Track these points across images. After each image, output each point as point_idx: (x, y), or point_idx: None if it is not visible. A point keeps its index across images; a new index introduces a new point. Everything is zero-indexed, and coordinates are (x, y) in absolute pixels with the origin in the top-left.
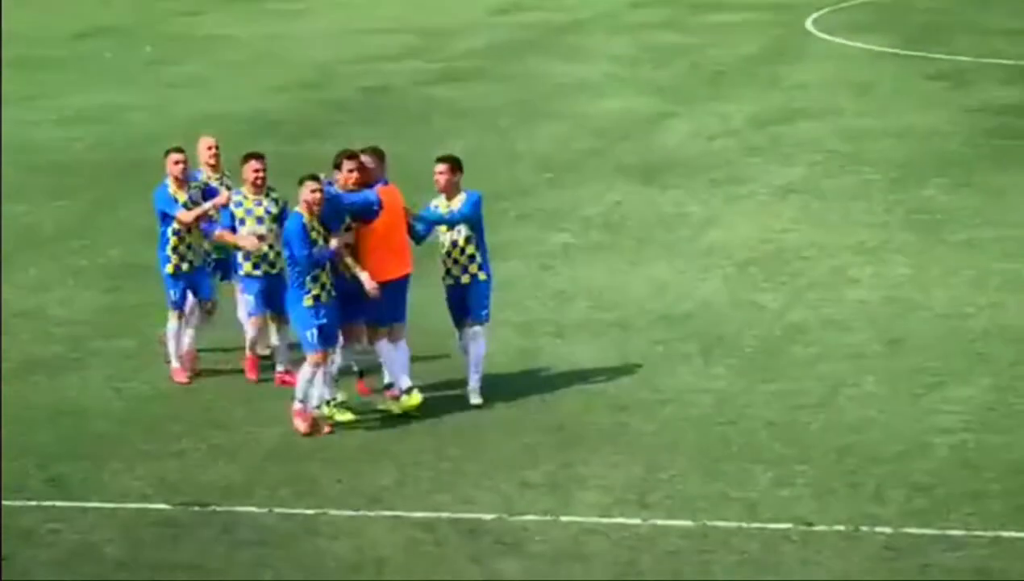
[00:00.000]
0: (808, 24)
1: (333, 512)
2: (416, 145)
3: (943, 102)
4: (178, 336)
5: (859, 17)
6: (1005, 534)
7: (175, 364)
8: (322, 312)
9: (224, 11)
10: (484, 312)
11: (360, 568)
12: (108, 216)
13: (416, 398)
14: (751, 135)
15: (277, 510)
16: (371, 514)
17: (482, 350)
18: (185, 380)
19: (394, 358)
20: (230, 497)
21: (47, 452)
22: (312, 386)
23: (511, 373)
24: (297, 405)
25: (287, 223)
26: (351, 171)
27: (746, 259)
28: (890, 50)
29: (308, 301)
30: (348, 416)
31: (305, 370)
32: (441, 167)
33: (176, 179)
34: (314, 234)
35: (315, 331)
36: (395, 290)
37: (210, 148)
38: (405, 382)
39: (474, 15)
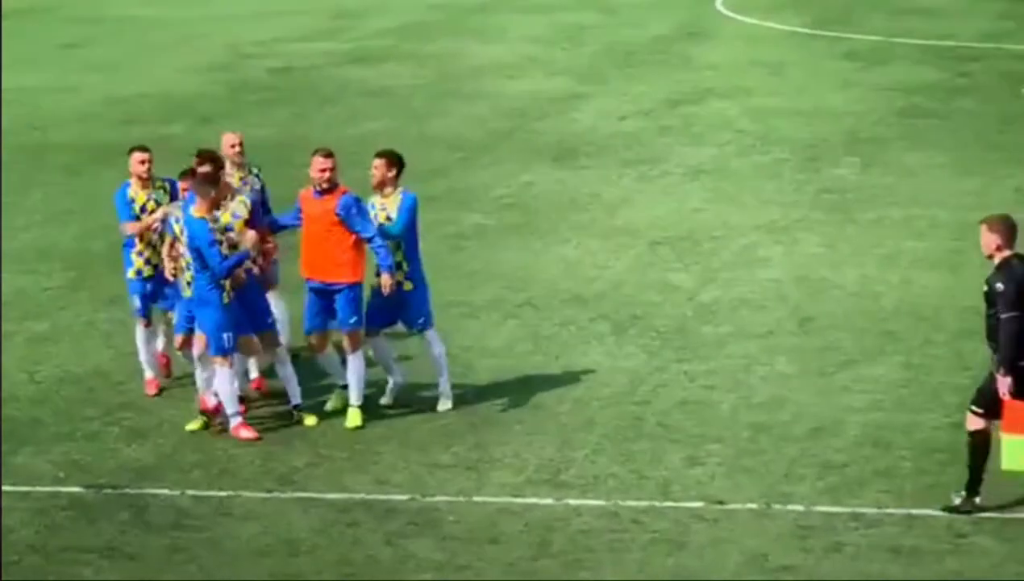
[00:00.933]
0: (718, 4)
1: (246, 494)
2: (327, 126)
3: (855, 82)
4: (147, 344)
5: None
6: (917, 512)
7: (148, 374)
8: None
9: None
10: (421, 320)
11: (273, 550)
12: (20, 199)
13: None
14: (662, 115)
15: (190, 492)
16: (284, 496)
17: (438, 349)
18: (154, 392)
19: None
20: (143, 480)
21: None
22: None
23: (423, 353)
24: (235, 420)
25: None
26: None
27: (658, 239)
28: (801, 30)
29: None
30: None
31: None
32: (377, 161)
33: (140, 179)
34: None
35: (231, 334)
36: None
37: (234, 145)
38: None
39: None
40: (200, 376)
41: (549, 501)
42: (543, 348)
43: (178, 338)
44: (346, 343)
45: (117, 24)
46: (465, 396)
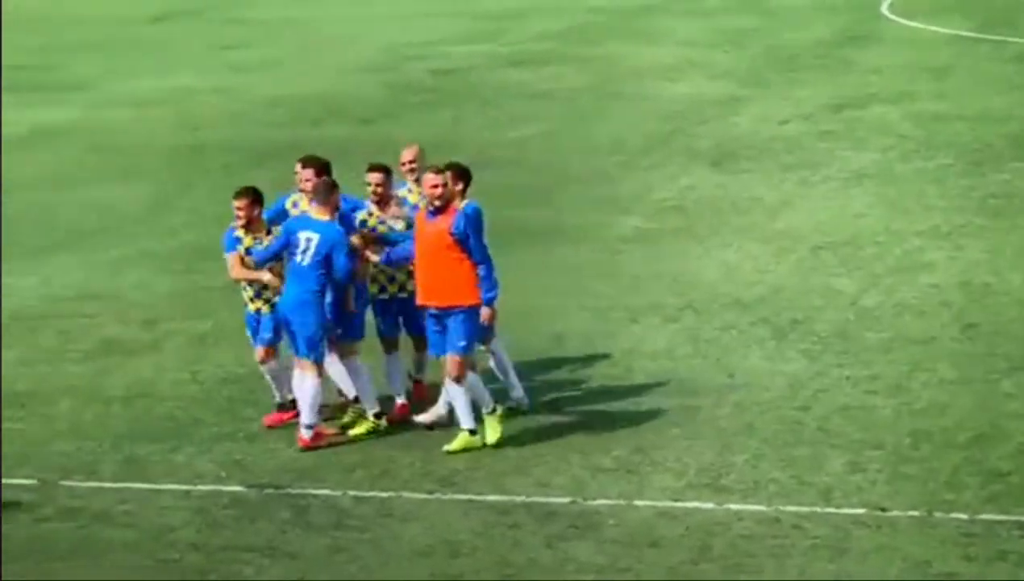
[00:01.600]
0: (883, 8)
1: (407, 495)
2: (487, 129)
3: (1021, 85)
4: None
5: (935, 1)
6: None
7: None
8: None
9: None
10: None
11: (433, 551)
12: (182, 199)
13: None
14: (824, 119)
15: (351, 493)
16: (445, 497)
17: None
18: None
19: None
20: (304, 479)
21: (121, 434)
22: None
23: (584, 357)
24: (308, 432)
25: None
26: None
27: (819, 244)
28: (967, 34)
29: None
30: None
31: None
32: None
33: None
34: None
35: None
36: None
37: (408, 162)
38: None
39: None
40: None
41: (710, 505)
42: (703, 352)
43: (260, 351)
44: (449, 368)
45: (273, 25)
46: (625, 400)
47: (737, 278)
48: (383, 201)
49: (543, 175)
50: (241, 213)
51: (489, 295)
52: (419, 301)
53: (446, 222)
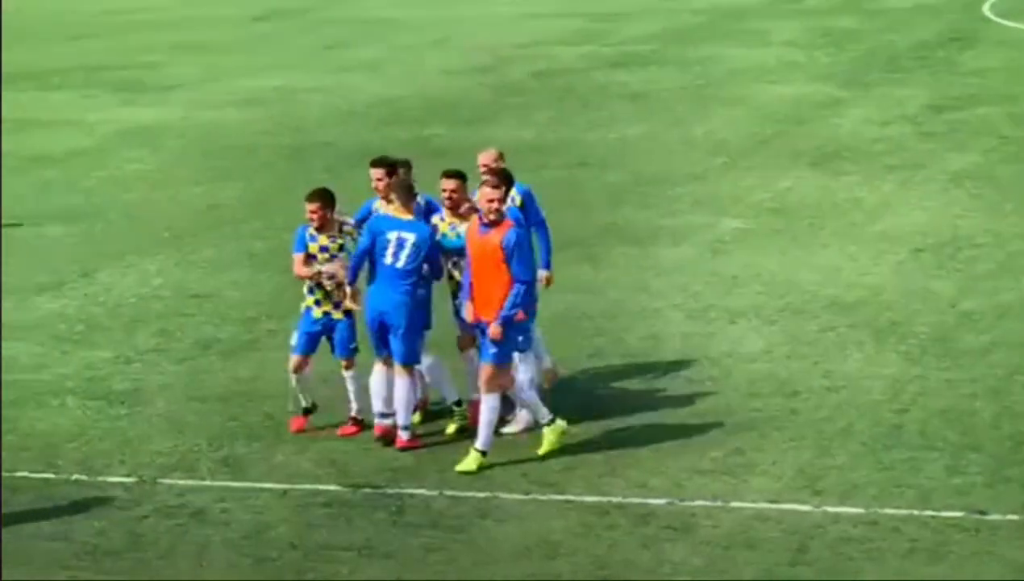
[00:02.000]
0: (985, 9)
1: (504, 496)
2: (587, 130)
3: None
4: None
5: None
6: None
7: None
8: None
9: None
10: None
11: (530, 552)
12: (283, 198)
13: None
14: (926, 121)
15: (448, 493)
16: (542, 498)
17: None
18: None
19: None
20: (401, 479)
21: (220, 432)
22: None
23: (682, 358)
24: (406, 433)
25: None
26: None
27: (919, 245)
28: None
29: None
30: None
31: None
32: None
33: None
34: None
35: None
36: None
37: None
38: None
39: (649, 0)
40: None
41: (807, 508)
42: (802, 354)
43: (296, 359)
44: (483, 378)
45: (376, 25)
46: (723, 400)
47: (836, 280)
48: (456, 208)
49: (643, 176)
50: (314, 216)
51: (506, 314)
52: (471, 317)
53: (499, 236)
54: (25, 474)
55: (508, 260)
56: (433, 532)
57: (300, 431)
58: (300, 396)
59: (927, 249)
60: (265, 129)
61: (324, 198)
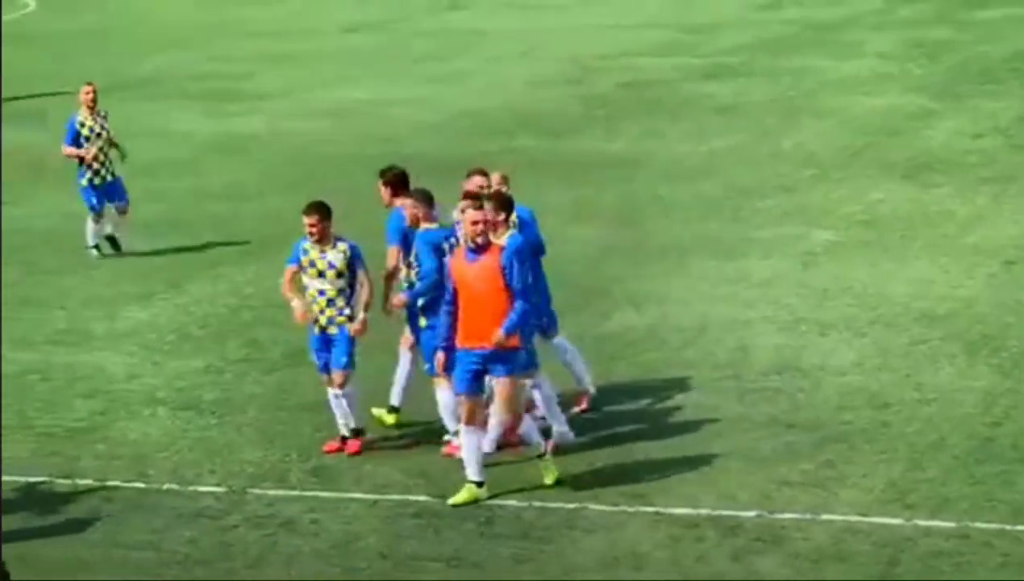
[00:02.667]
0: None
1: (592, 507)
2: (677, 142)
3: None
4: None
5: None
6: None
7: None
8: None
9: (486, 6)
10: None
11: (618, 563)
12: (369, 209)
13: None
14: (1019, 133)
15: (536, 504)
16: (630, 509)
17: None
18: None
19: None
20: (490, 490)
21: (310, 442)
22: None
23: (772, 370)
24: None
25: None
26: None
27: (1012, 258)
28: None
29: None
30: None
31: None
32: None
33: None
34: None
35: None
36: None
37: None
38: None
39: (739, 11)
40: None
41: (898, 521)
42: (893, 366)
43: (340, 375)
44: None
45: (464, 37)
46: (813, 413)
47: (928, 292)
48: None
49: (733, 188)
50: (313, 230)
51: (507, 327)
52: (463, 343)
53: (493, 261)
54: (116, 483)
55: (509, 279)
56: (522, 543)
57: (356, 453)
58: (339, 419)
59: (1019, 262)
60: (353, 140)
61: (322, 211)
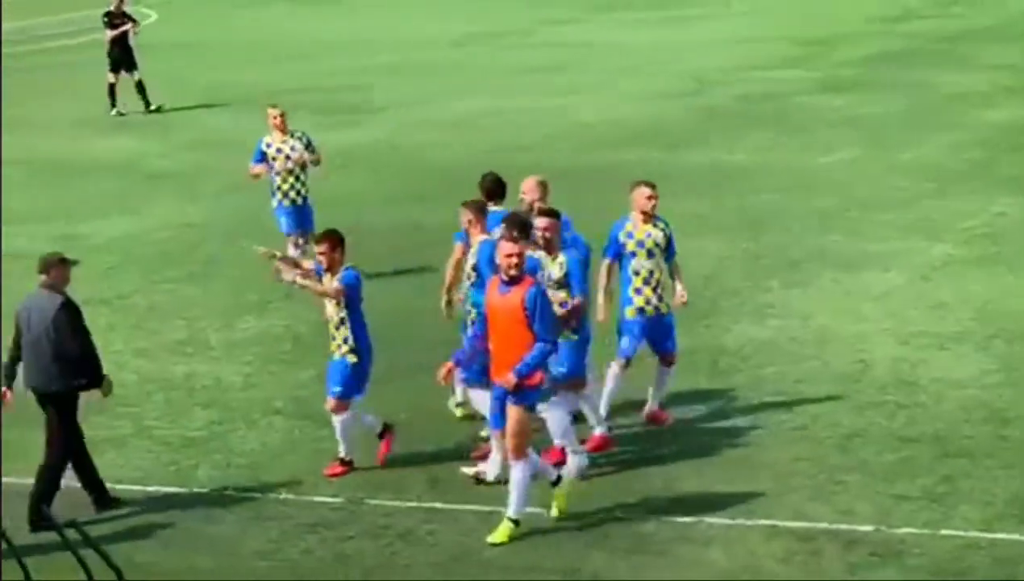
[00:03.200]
0: None
1: (708, 520)
2: (796, 154)
3: None
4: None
5: None
6: None
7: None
8: None
9: (601, 20)
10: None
11: (734, 577)
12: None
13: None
14: None
15: (653, 517)
16: (747, 523)
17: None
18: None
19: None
20: (605, 503)
21: (427, 454)
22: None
23: (890, 384)
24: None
25: None
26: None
27: None
28: None
29: None
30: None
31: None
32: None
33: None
34: None
35: None
36: None
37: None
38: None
39: (859, 24)
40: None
41: (1017, 537)
42: (1014, 381)
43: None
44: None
45: (579, 50)
46: (932, 427)
47: None
48: (550, 248)
49: (852, 201)
50: (323, 258)
51: (519, 368)
52: (493, 377)
53: (520, 294)
54: (233, 493)
55: (531, 319)
56: (638, 555)
57: (334, 475)
58: (340, 441)
59: None
60: (467, 152)
61: (333, 240)
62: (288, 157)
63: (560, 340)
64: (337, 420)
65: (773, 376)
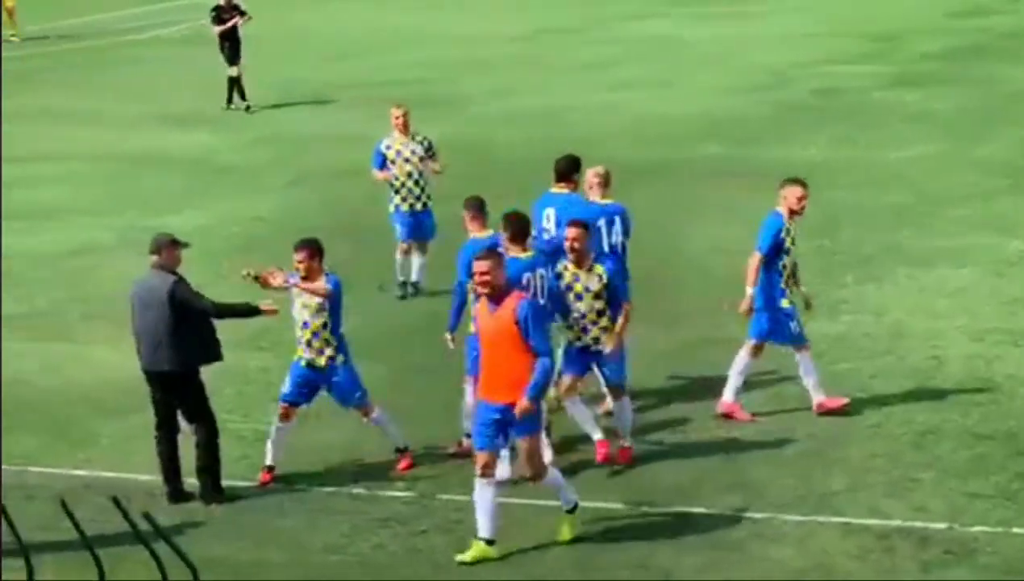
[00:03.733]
0: None
1: (782, 517)
2: (871, 149)
3: None
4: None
5: None
6: None
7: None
8: None
9: (672, 14)
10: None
11: (807, 574)
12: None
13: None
14: None
15: (726, 513)
16: (820, 520)
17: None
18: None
19: None
20: (679, 498)
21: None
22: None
23: (964, 380)
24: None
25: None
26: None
27: None
28: None
29: None
30: None
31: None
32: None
33: (792, 212)
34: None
35: None
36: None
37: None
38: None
39: (933, 19)
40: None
41: None
42: None
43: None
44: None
45: (652, 44)
46: (1006, 424)
47: None
48: (579, 258)
49: (925, 196)
50: (300, 266)
51: (530, 393)
52: (482, 394)
53: (510, 309)
54: (304, 487)
55: (525, 334)
56: (710, 551)
57: (265, 484)
58: (389, 436)
59: None
60: (540, 146)
61: (311, 249)
62: (407, 160)
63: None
64: (372, 420)
65: (847, 372)
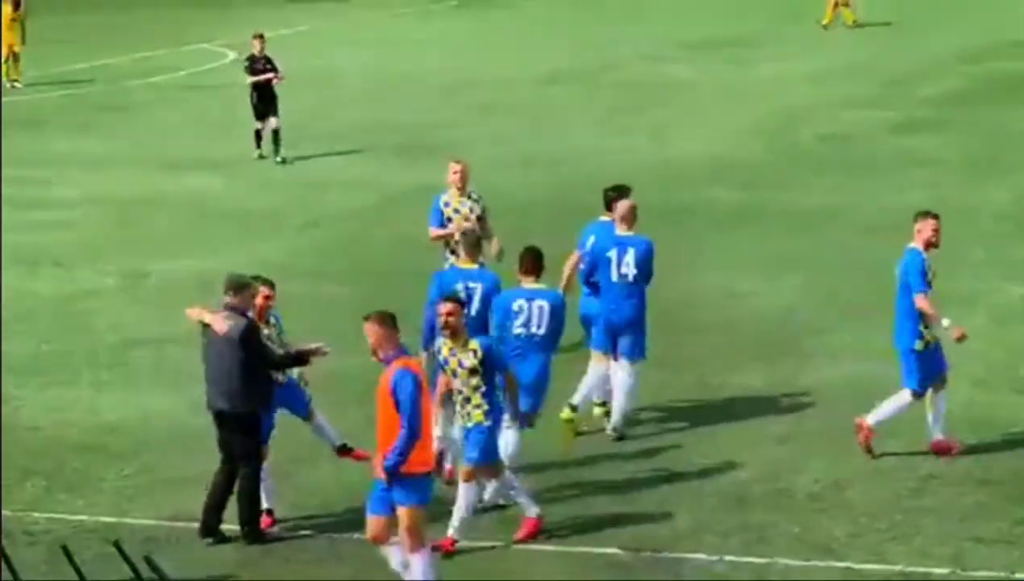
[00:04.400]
0: None
1: (783, 561)
2: (872, 196)
3: None
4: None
5: None
6: None
7: None
8: None
9: (685, 58)
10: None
11: None
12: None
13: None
14: None
15: (727, 558)
16: (821, 564)
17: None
18: None
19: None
20: (680, 543)
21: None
22: None
23: (967, 426)
24: None
25: None
26: None
27: None
28: None
29: None
30: None
31: None
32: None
33: None
34: None
35: None
36: None
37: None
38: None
39: (944, 63)
40: None
41: None
42: None
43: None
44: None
45: (662, 89)
46: (1009, 470)
47: None
48: (455, 333)
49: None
50: (261, 302)
51: (388, 463)
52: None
53: (385, 380)
54: (307, 532)
55: (395, 402)
56: None
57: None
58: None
59: None
60: (550, 189)
61: (272, 287)
62: (467, 218)
63: (472, 425)
64: (314, 427)
65: (850, 417)
